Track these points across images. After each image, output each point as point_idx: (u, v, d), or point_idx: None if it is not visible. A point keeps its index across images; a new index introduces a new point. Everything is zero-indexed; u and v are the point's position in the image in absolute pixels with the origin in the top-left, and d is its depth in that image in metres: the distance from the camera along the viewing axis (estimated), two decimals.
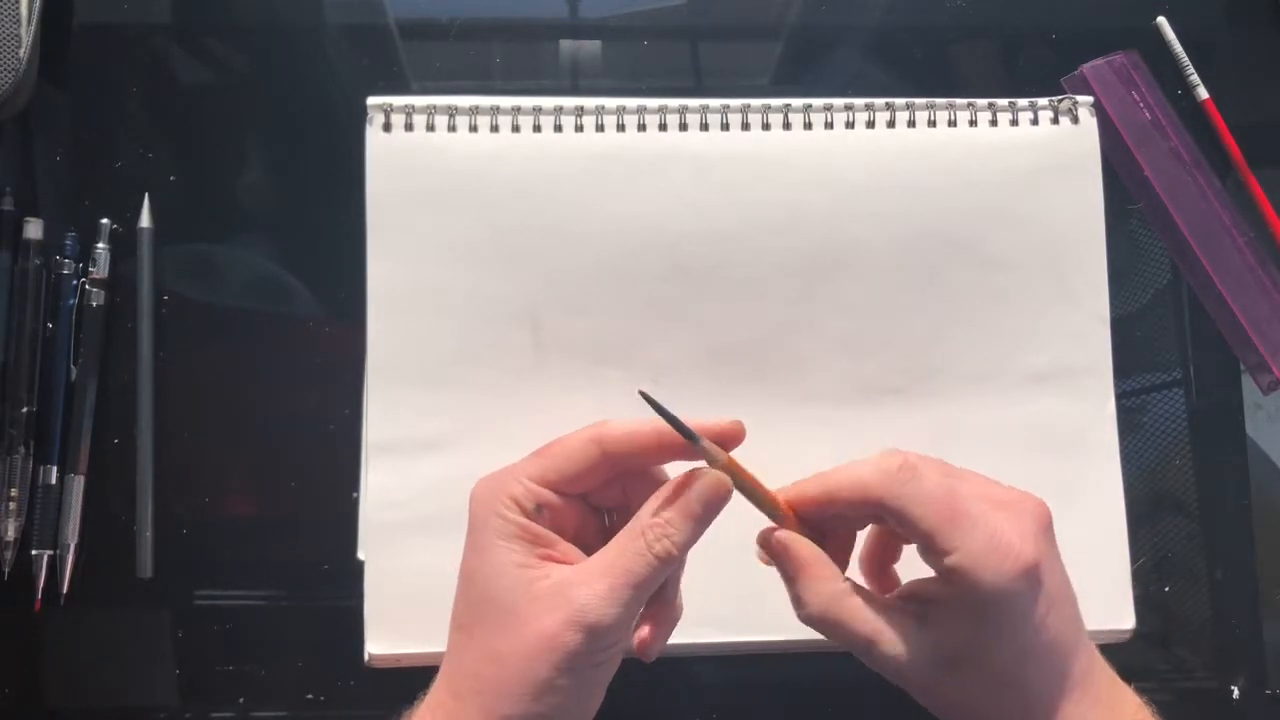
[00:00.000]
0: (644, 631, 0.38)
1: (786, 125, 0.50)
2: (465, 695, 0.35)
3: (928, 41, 0.55)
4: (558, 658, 0.34)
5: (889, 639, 0.36)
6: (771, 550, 0.38)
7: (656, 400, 0.35)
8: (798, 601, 0.37)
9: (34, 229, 0.50)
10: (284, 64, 0.53)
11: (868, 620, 0.37)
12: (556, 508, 0.37)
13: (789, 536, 0.37)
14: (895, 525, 0.36)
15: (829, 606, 0.37)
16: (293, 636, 0.50)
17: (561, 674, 0.34)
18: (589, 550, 0.37)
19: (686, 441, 0.36)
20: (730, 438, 0.37)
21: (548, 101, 0.50)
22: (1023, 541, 0.35)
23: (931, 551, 0.35)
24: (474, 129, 0.50)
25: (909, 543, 0.40)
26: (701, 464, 0.36)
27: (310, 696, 0.49)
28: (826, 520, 0.38)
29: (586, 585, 0.35)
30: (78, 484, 0.49)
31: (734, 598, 0.45)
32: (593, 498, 0.39)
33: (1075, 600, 0.38)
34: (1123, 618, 0.49)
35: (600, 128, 0.50)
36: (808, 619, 0.37)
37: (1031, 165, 0.51)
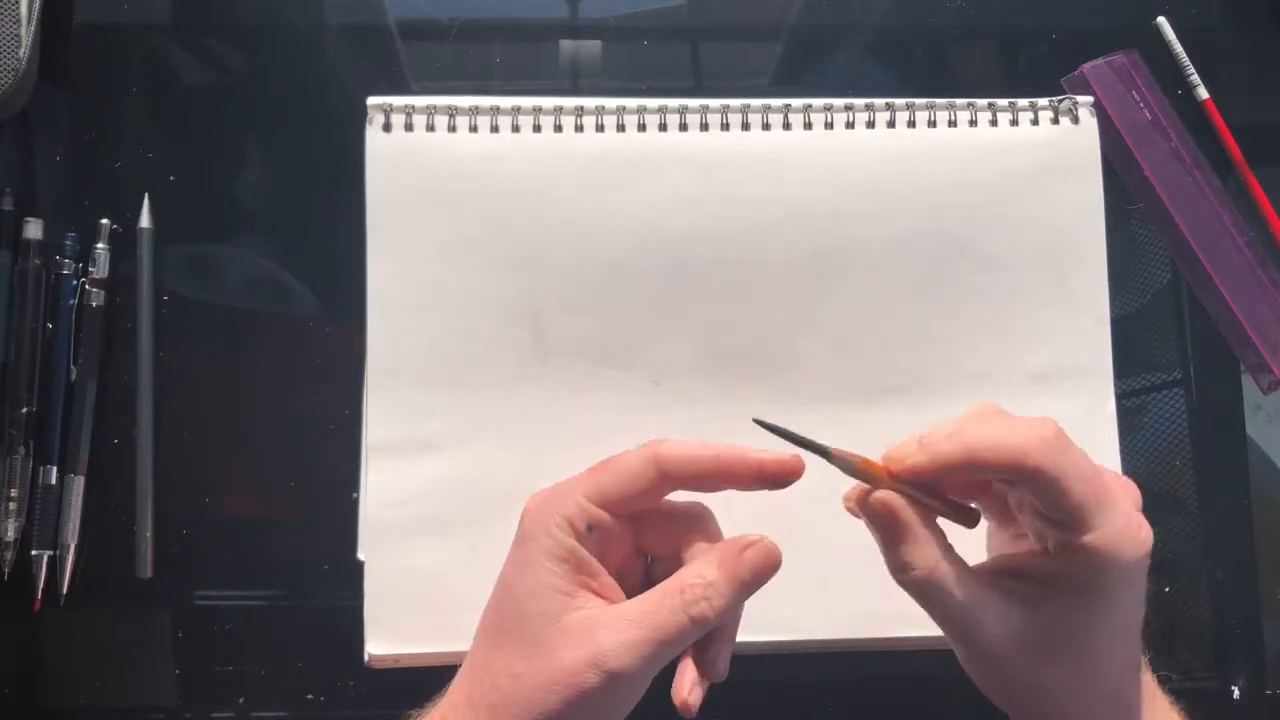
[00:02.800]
0: (684, 690, 0.36)
1: (786, 125, 0.50)
2: (480, 705, 0.35)
3: (928, 41, 0.55)
4: (571, 694, 0.34)
5: (985, 613, 0.35)
6: (871, 511, 0.36)
7: (772, 423, 0.35)
8: (901, 565, 0.36)
9: (34, 229, 0.50)
10: (284, 64, 0.53)
11: (968, 591, 0.35)
12: (608, 530, 0.36)
13: (893, 499, 0.36)
14: (1037, 495, 0.34)
15: (934, 572, 0.35)
16: (293, 636, 0.50)
17: (571, 709, 0.34)
18: (628, 590, 0.37)
19: (746, 469, 0.35)
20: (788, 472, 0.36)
21: (548, 101, 0.50)
22: (1144, 523, 0.35)
23: (1070, 527, 0.34)
24: (474, 129, 0.50)
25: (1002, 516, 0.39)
26: (755, 533, 0.36)
27: (310, 696, 0.49)
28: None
29: (613, 631, 0.34)
30: (78, 484, 0.49)
31: None
32: (644, 540, 0.38)
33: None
34: None
35: (600, 128, 0.50)
36: (910, 582, 0.36)
37: (1031, 165, 0.51)
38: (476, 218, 0.49)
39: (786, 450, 0.36)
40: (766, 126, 0.50)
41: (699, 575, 0.35)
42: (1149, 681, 0.38)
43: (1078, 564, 0.35)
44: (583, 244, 0.49)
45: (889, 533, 0.36)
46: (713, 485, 0.37)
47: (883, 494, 0.36)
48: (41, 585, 0.49)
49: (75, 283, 0.50)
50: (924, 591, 0.36)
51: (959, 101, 0.51)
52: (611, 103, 0.50)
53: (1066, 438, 0.34)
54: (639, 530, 0.38)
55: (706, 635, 0.36)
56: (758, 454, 0.36)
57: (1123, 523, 0.34)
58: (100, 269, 0.50)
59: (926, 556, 0.35)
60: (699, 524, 0.38)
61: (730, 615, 0.36)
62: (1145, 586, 0.37)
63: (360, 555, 0.48)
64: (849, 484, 0.37)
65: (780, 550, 0.36)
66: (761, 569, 0.36)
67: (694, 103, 0.50)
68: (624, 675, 0.34)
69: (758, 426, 0.37)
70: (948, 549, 0.36)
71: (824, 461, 0.37)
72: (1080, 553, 0.34)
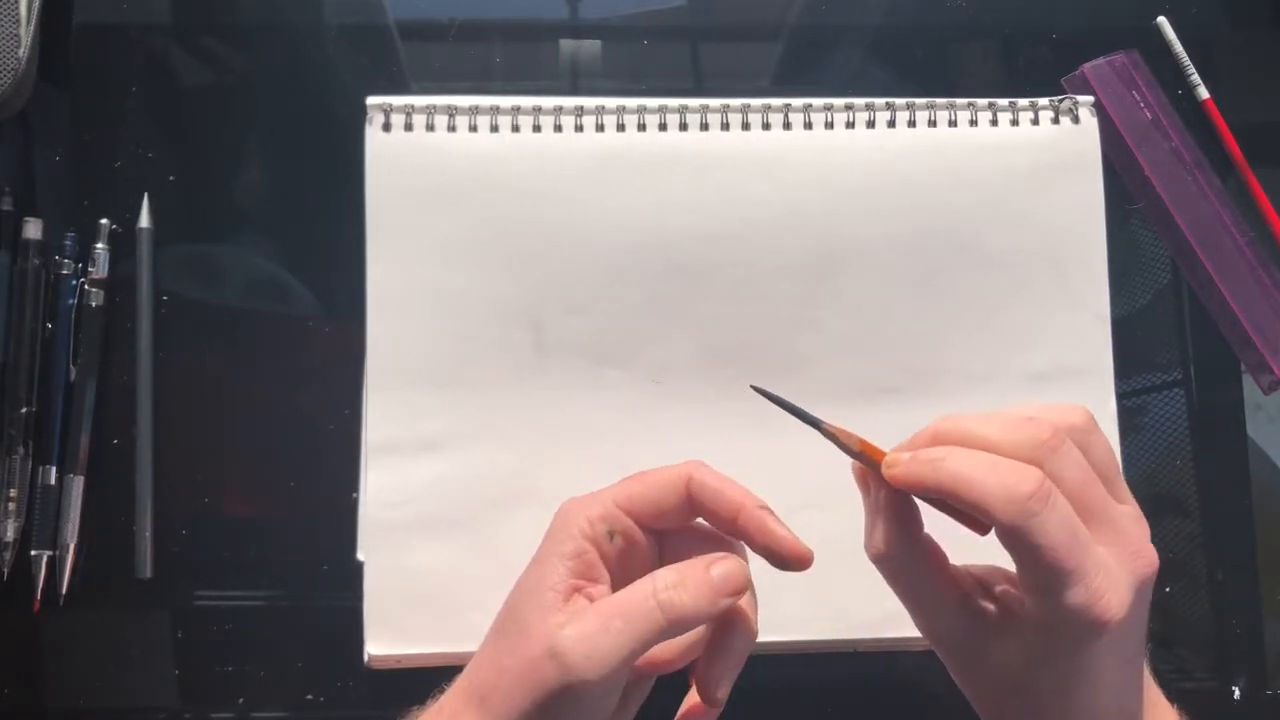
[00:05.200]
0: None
1: (786, 125, 0.50)
2: (473, 696, 0.35)
3: (928, 41, 0.55)
4: (534, 690, 0.33)
5: (941, 617, 0.36)
6: (861, 483, 0.36)
7: (772, 393, 0.35)
8: (868, 539, 0.36)
9: (33, 229, 0.50)
10: (284, 64, 0.53)
11: (925, 590, 0.36)
12: (631, 538, 0.36)
13: (863, 476, 0.36)
14: (1003, 544, 0.34)
15: (885, 557, 0.36)
16: (293, 636, 0.49)
17: (536, 706, 0.33)
18: None
19: (759, 537, 0.35)
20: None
21: (548, 101, 0.50)
22: (1119, 604, 0.33)
23: (1025, 585, 0.34)
24: (474, 129, 0.50)
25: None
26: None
27: (310, 696, 0.49)
28: None
29: (576, 621, 0.33)
30: (77, 484, 0.49)
31: None
32: (667, 561, 0.37)
33: (1143, 658, 0.36)
34: None
35: (600, 128, 0.50)
36: (872, 558, 0.36)
37: (1032, 165, 0.51)
38: (476, 218, 0.49)
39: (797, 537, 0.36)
40: (766, 126, 0.50)
41: (675, 569, 0.35)
42: (1151, 687, 0.38)
43: (1034, 617, 0.34)
44: (583, 244, 0.49)
45: (866, 506, 0.36)
46: (726, 529, 0.36)
47: (855, 469, 0.36)
48: (41, 585, 0.49)
49: (75, 283, 0.50)
50: (881, 571, 0.36)
51: (959, 101, 0.51)
52: (611, 103, 0.50)
53: (1044, 500, 0.32)
54: (665, 550, 0.37)
55: (709, 656, 0.36)
56: (776, 529, 0.35)
57: (1083, 599, 0.32)
58: (100, 269, 0.50)
59: (877, 541, 0.36)
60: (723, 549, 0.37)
61: (705, 620, 0.35)
62: (1125, 652, 0.35)
63: (360, 555, 0.48)
64: (854, 486, 0.37)
65: (748, 575, 0.35)
66: (729, 578, 0.35)
67: (694, 103, 0.50)
68: (577, 665, 0.33)
69: (756, 407, 0.37)
70: (915, 539, 0.36)
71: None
72: (1036, 609, 0.33)
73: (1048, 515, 0.32)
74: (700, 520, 0.37)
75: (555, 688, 0.33)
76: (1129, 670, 0.36)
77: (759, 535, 0.35)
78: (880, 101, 0.51)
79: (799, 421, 0.37)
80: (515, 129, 0.50)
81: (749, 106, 0.50)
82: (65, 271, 0.50)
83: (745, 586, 0.35)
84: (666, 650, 0.37)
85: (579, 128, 0.50)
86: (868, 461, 0.36)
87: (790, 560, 0.35)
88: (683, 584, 0.34)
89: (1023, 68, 0.55)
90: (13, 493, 0.48)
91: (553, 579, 0.35)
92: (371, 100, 0.49)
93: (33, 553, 0.49)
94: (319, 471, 0.50)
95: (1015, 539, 0.32)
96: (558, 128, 0.50)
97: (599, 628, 0.33)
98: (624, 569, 0.36)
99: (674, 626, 0.34)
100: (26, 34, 0.49)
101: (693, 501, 0.36)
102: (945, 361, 0.50)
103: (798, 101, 0.50)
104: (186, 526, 0.50)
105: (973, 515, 0.36)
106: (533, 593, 0.35)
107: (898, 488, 0.35)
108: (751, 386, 0.36)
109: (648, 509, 0.36)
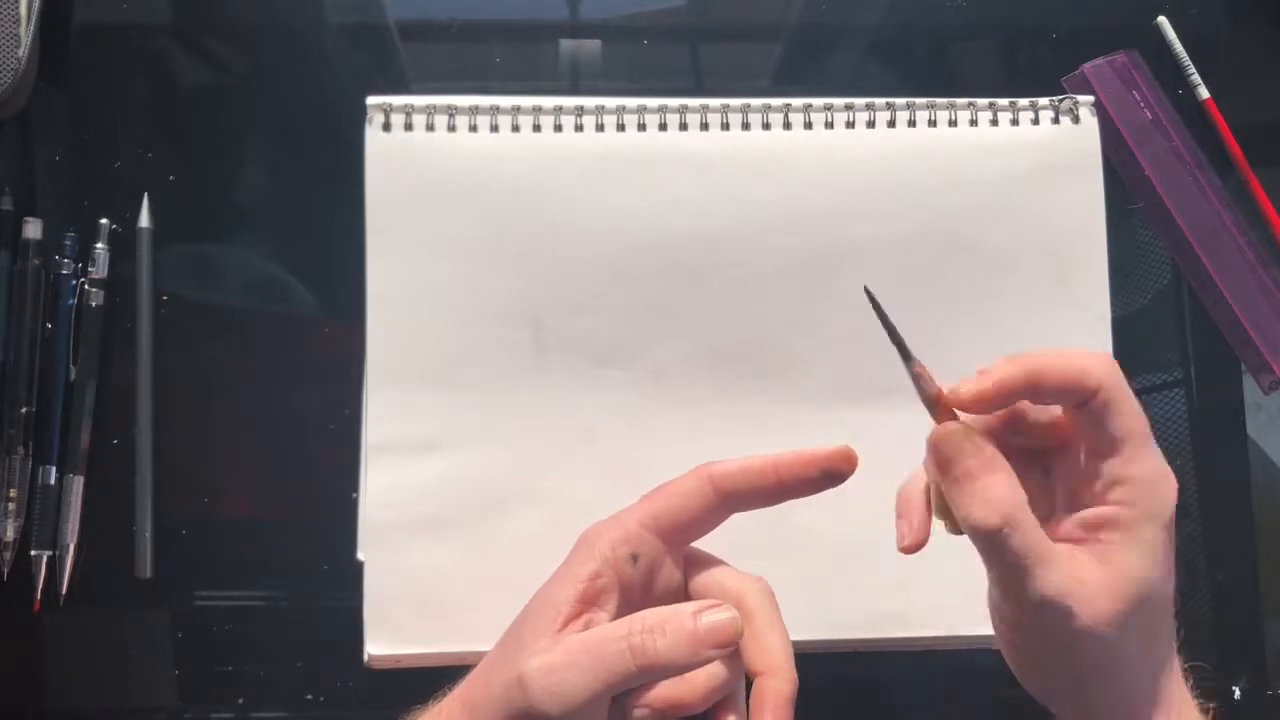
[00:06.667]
0: None
1: (787, 125, 0.50)
2: (465, 703, 0.35)
3: (928, 41, 0.55)
4: (508, 715, 0.33)
5: (1065, 565, 0.33)
6: (946, 445, 0.34)
7: (879, 303, 0.35)
8: (977, 502, 0.33)
9: (33, 229, 0.50)
10: (284, 64, 0.53)
11: (1045, 540, 0.33)
12: (656, 559, 0.35)
13: (966, 434, 0.34)
14: (1090, 418, 0.33)
15: (1012, 513, 0.32)
16: (293, 636, 0.49)
17: None
18: None
19: (807, 468, 0.35)
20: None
21: (548, 101, 0.50)
22: (1170, 487, 0.34)
23: (1119, 453, 0.33)
24: (474, 129, 0.50)
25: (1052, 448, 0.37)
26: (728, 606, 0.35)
27: (310, 697, 0.49)
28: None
29: (547, 653, 0.33)
30: (77, 484, 0.49)
31: None
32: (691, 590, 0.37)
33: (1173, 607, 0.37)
34: None
35: (600, 128, 0.50)
36: (984, 523, 0.33)
37: (1032, 165, 0.51)
38: (476, 218, 0.49)
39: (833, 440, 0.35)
40: (766, 126, 0.50)
41: (658, 612, 0.33)
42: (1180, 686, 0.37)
43: (1131, 508, 0.33)
44: (583, 244, 0.49)
45: (962, 468, 0.34)
46: (771, 496, 0.35)
47: (957, 429, 0.35)
48: (41, 585, 0.49)
49: (74, 283, 0.50)
50: (997, 536, 0.33)
51: (959, 101, 0.51)
52: (611, 103, 0.50)
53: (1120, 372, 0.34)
54: (690, 580, 0.37)
55: (733, 706, 0.35)
56: (813, 451, 0.35)
57: (1157, 464, 0.34)
58: (100, 269, 0.50)
59: (1004, 499, 0.33)
60: (740, 591, 0.36)
61: (684, 669, 0.34)
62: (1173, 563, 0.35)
63: (360, 555, 0.48)
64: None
65: (740, 625, 0.34)
66: (717, 630, 0.33)
67: (694, 102, 0.50)
68: (538, 699, 0.32)
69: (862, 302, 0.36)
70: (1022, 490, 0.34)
71: None
72: (1131, 489, 0.33)
73: (1126, 385, 0.34)
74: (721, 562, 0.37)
75: (520, 718, 0.32)
76: (1165, 599, 0.36)
77: (809, 469, 0.35)
78: (880, 101, 0.51)
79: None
80: (515, 129, 0.50)
81: (749, 106, 0.50)
82: (65, 271, 0.50)
83: (734, 639, 0.34)
84: (683, 690, 0.35)
85: (579, 128, 0.50)
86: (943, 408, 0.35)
87: (845, 463, 0.35)
88: (661, 629, 0.33)
89: (1023, 68, 0.55)
90: (13, 493, 0.48)
91: (558, 599, 0.34)
92: (371, 100, 0.49)
93: (33, 553, 0.49)
94: (319, 471, 0.50)
95: (1109, 400, 0.33)
96: (558, 128, 0.50)
97: (566, 663, 0.32)
98: (646, 595, 0.36)
99: (645, 673, 0.33)
100: (26, 34, 0.49)
101: (722, 494, 0.35)
102: (945, 361, 0.50)
103: (798, 101, 0.50)
104: (186, 526, 0.50)
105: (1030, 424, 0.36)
106: (536, 611, 0.35)
107: (984, 401, 0.35)
108: (865, 288, 0.35)
109: (673, 521, 0.35)
